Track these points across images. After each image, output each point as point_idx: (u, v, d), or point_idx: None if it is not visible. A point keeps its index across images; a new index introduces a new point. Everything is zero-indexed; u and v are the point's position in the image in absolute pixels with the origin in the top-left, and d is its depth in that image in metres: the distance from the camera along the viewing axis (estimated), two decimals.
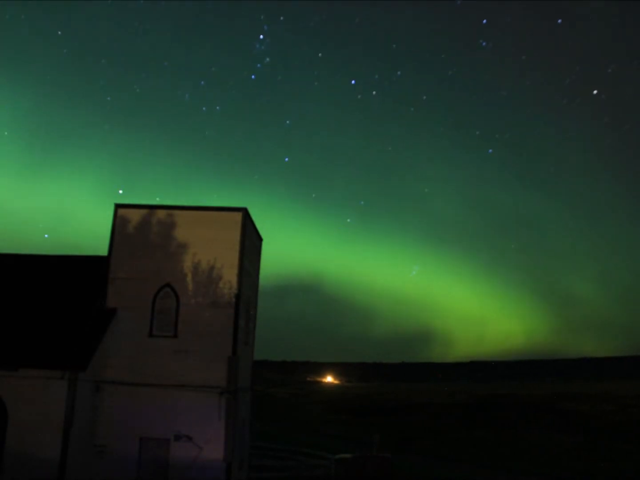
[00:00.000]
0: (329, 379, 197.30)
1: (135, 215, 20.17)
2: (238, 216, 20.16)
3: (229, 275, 19.58)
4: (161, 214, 20.17)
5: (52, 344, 18.35)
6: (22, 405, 17.35)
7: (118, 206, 20.26)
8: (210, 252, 19.71)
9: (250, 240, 21.31)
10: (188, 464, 18.17)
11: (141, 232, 20.06)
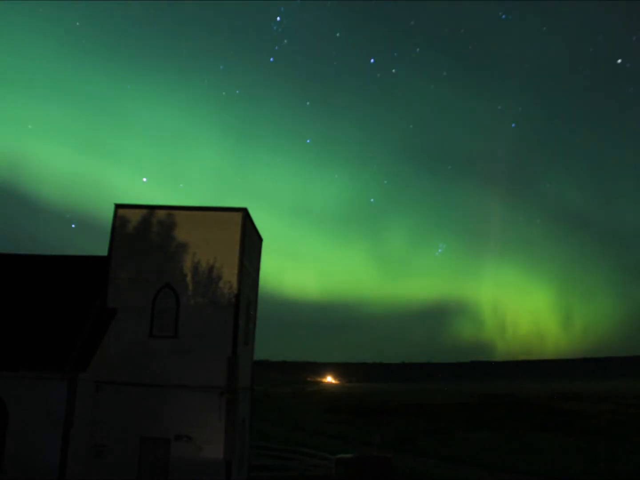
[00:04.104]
0: (329, 379, 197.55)
1: (135, 216, 20.17)
2: (238, 216, 20.18)
3: (229, 275, 19.59)
4: (161, 214, 20.17)
5: (52, 344, 18.34)
6: (23, 405, 17.35)
7: (118, 206, 20.25)
8: (210, 252, 19.72)
9: (250, 240, 21.32)
10: (188, 464, 18.18)
11: (141, 232, 20.06)
